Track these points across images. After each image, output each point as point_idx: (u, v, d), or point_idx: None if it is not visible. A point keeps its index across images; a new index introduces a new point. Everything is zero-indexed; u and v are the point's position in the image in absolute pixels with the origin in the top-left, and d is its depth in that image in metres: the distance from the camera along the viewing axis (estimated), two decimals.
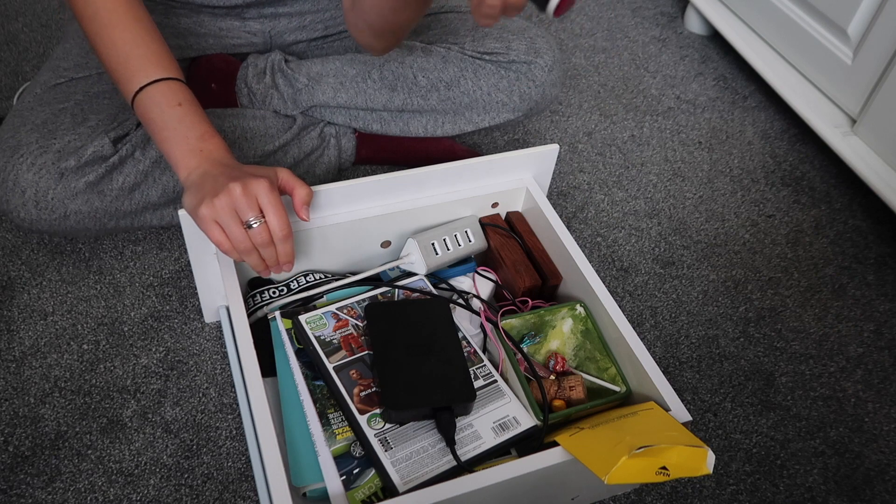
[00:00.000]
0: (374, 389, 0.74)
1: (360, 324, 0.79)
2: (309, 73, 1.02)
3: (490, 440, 0.73)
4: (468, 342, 0.81)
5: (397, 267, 0.90)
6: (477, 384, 0.77)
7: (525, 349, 0.81)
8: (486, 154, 1.13)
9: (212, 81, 1.03)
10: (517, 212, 0.95)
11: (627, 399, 0.77)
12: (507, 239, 0.91)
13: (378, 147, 1.10)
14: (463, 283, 0.89)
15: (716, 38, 1.52)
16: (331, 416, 0.73)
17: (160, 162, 0.89)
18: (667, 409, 0.72)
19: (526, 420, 0.75)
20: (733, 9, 1.39)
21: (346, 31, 1.09)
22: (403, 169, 0.92)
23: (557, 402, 0.77)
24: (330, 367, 0.74)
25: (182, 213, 0.77)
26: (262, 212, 0.69)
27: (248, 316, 0.83)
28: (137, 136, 0.88)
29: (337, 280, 0.86)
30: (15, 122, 0.87)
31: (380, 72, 1.00)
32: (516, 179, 0.93)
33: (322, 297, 0.84)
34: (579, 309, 0.82)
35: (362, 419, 0.71)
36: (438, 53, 1.00)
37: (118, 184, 0.86)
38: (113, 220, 0.88)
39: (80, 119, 0.88)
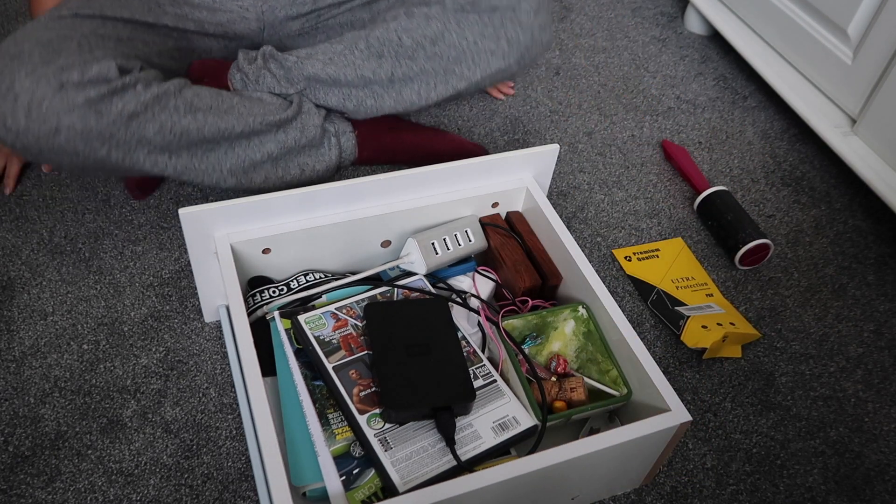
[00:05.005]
0: (373, 389, 0.74)
1: (360, 324, 0.79)
2: (298, 54, 1.01)
3: (490, 440, 0.73)
4: (468, 342, 0.81)
5: (397, 266, 0.90)
6: (476, 384, 0.77)
7: (527, 350, 0.81)
8: (487, 154, 1.13)
9: (204, 77, 1.03)
10: (517, 212, 0.95)
11: (629, 401, 0.77)
12: (507, 239, 0.91)
13: (380, 147, 1.10)
14: (462, 282, 0.89)
15: (716, 38, 1.52)
16: (330, 416, 0.73)
17: (161, 98, 0.87)
18: (666, 410, 0.72)
19: (525, 419, 0.75)
20: (733, 9, 1.39)
21: (335, 4, 1.09)
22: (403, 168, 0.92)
23: (558, 404, 0.77)
24: (329, 367, 0.74)
25: (182, 212, 0.77)
26: None
27: (248, 315, 0.83)
28: (141, 75, 0.86)
29: (336, 280, 0.86)
30: (18, 36, 0.84)
31: (366, 41, 0.99)
32: (516, 179, 0.93)
33: (321, 296, 0.84)
34: (581, 311, 0.82)
35: (362, 419, 0.71)
36: (421, 13, 1.00)
37: (118, 108, 0.83)
38: (105, 146, 0.84)
39: (86, 49, 0.85)
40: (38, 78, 0.79)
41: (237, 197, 0.98)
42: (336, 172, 1.08)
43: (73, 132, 0.81)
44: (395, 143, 1.10)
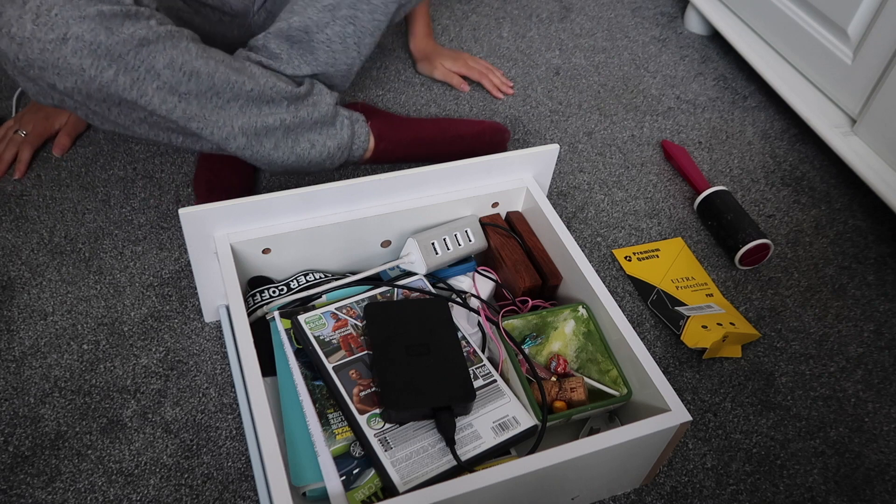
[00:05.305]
0: (373, 389, 0.74)
1: (360, 324, 0.79)
2: (265, 30, 1.00)
3: (490, 440, 0.73)
4: (468, 342, 0.81)
5: (397, 266, 0.90)
6: (476, 384, 0.77)
7: (527, 350, 0.81)
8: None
9: None
10: (517, 212, 0.95)
11: (629, 401, 0.77)
12: (507, 239, 0.91)
13: (398, 140, 1.07)
14: (462, 282, 0.89)
15: (716, 38, 1.52)
16: (330, 416, 0.73)
17: (174, 36, 0.84)
18: (666, 410, 0.72)
19: (525, 419, 0.75)
20: (733, 9, 1.39)
21: None
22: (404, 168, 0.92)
23: (559, 404, 0.77)
24: (329, 367, 0.74)
25: (182, 212, 0.77)
26: None
27: (248, 315, 0.83)
28: (156, 13, 0.85)
29: (336, 280, 0.86)
30: None
31: None
32: (516, 179, 0.93)
33: (321, 296, 0.84)
34: (581, 311, 0.82)
35: (362, 419, 0.71)
36: None
37: (129, 31, 0.81)
38: (113, 66, 0.80)
39: None
40: None
41: (240, 198, 0.98)
42: (348, 159, 1.04)
43: (82, 43, 0.78)
44: (413, 134, 1.08)
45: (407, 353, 0.75)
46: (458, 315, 0.85)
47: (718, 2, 1.43)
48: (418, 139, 1.09)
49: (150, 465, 0.78)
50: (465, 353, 0.79)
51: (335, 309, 0.80)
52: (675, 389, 0.86)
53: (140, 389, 0.84)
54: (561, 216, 1.11)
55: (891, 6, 1.05)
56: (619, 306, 0.99)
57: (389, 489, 0.67)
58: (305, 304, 0.83)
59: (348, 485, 0.68)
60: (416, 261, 0.87)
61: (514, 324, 0.82)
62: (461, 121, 1.13)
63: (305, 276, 0.87)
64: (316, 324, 0.78)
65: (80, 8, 0.77)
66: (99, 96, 0.83)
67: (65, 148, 1.11)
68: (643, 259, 1.05)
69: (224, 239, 0.81)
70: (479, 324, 0.85)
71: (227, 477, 0.78)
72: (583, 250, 1.06)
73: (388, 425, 0.71)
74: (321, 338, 0.76)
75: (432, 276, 0.89)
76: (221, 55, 0.90)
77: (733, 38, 1.35)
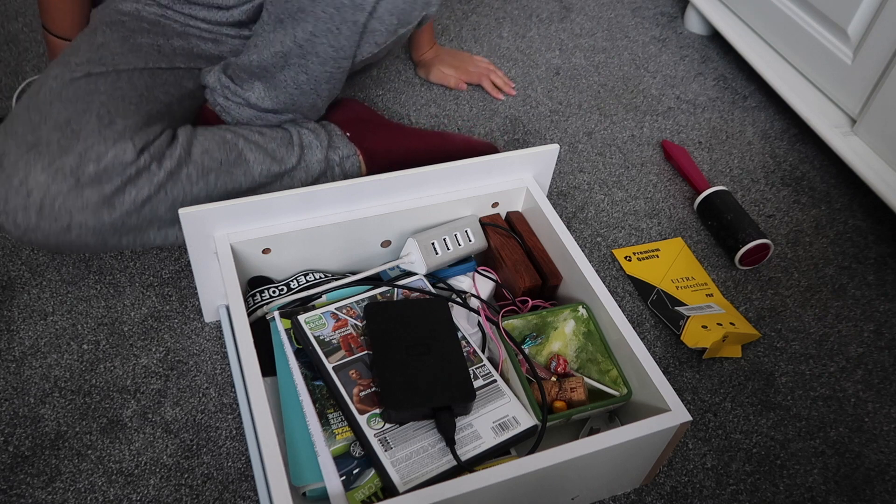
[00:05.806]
0: (373, 389, 0.74)
1: (360, 324, 0.79)
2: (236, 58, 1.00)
3: (490, 440, 0.73)
4: (468, 342, 0.81)
5: (397, 266, 0.90)
6: (476, 384, 0.77)
7: (527, 350, 0.81)
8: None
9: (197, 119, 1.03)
10: (517, 212, 0.95)
11: (629, 401, 0.77)
12: (507, 239, 0.91)
13: (389, 162, 1.08)
14: (462, 282, 0.89)
15: (716, 38, 1.52)
16: (330, 416, 0.73)
17: (174, 173, 0.85)
18: (666, 410, 0.72)
19: (525, 420, 0.75)
20: (733, 9, 1.39)
21: None
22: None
23: (559, 404, 0.77)
24: (329, 367, 0.74)
25: (182, 212, 0.77)
26: None
27: (248, 315, 0.83)
28: (155, 148, 0.84)
29: (336, 280, 0.86)
30: (34, 117, 0.82)
31: (266, 10, 0.93)
32: (516, 179, 0.93)
33: (321, 296, 0.84)
34: (581, 311, 0.82)
35: (362, 419, 0.71)
36: None
37: (131, 198, 0.82)
38: (116, 235, 0.83)
39: (105, 121, 0.83)
40: (54, 172, 0.78)
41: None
42: None
43: (85, 229, 0.81)
44: (404, 154, 1.09)
45: (407, 353, 0.75)
46: (458, 315, 0.85)
47: (718, 2, 1.43)
48: (408, 159, 1.09)
49: (150, 465, 0.78)
50: (465, 353, 0.79)
51: (335, 309, 0.80)
52: (675, 389, 0.86)
53: (140, 389, 0.84)
54: (561, 216, 1.11)
55: (891, 6, 1.05)
56: (619, 306, 0.99)
57: (389, 489, 0.67)
58: (305, 304, 0.83)
59: (348, 485, 0.68)
60: (416, 261, 0.87)
61: (514, 324, 0.82)
62: (454, 138, 1.11)
63: (305, 276, 0.87)
64: (316, 324, 0.78)
65: (83, 197, 0.79)
66: (102, 251, 0.87)
67: None
68: (643, 259, 1.05)
69: (224, 239, 0.81)
70: (479, 324, 0.85)
71: (227, 477, 0.78)
72: (583, 250, 1.06)
73: (388, 425, 0.71)
74: (321, 338, 0.76)
75: (432, 276, 0.89)
76: (218, 152, 0.90)
77: (733, 38, 1.35)
